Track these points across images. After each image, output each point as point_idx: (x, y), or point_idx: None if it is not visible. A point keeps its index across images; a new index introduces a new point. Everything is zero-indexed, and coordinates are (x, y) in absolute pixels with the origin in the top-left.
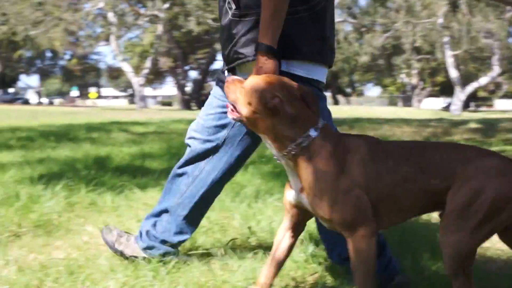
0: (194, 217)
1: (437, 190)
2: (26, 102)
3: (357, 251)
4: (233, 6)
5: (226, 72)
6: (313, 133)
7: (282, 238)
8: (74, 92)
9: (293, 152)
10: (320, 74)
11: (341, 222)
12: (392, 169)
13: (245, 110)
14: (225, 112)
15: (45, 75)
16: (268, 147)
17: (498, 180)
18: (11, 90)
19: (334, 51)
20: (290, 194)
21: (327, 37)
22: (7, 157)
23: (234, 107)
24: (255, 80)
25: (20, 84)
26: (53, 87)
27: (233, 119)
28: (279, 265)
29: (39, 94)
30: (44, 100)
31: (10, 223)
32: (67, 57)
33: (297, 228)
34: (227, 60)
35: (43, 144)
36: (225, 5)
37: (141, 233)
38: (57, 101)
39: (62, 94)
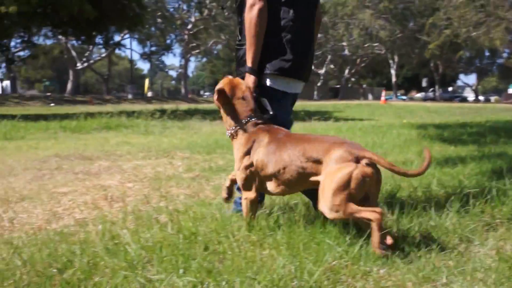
0: None
1: (309, 172)
2: (463, 99)
3: (243, 205)
4: (239, 38)
5: None
6: (240, 125)
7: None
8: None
9: (228, 135)
10: (294, 87)
11: (239, 185)
12: (278, 156)
13: (214, 97)
14: None
15: (482, 73)
16: None
17: (341, 166)
18: (450, 88)
19: (305, 68)
20: None
21: (298, 58)
22: (463, 151)
23: None
24: (223, 79)
25: (458, 83)
26: (489, 85)
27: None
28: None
29: (476, 92)
30: (481, 97)
31: (483, 215)
32: (505, 55)
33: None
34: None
35: (495, 140)
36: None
37: None
38: (493, 98)
39: (498, 91)
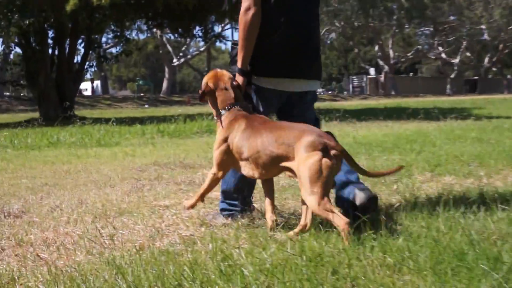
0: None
1: (282, 158)
2: None
3: (208, 177)
4: (231, 42)
5: None
6: (223, 112)
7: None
8: None
9: (214, 121)
10: (288, 85)
11: (214, 163)
12: (253, 141)
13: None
14: None
15: None
16: None
17: (310, 153)
18: None
19: (302, 66)
20: None
21: (291, 57)
22: None
23: None
24: (211, 72)
25: None
26: None
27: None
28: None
29: None
30: None
31: None
32: None
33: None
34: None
35: None
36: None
37: None
38: None
39: None
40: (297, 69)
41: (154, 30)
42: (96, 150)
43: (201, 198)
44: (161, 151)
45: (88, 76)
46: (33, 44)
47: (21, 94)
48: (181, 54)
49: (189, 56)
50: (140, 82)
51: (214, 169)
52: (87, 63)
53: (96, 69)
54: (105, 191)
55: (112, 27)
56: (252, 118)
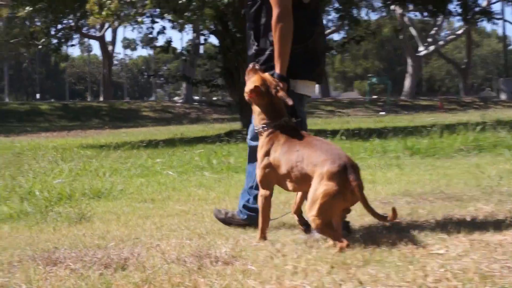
0: None
1: (309, 176)
2: None
3: (259, 202)
4: (255, 46)
5: None
6: (271, 126)
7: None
8: None
9: (256, 131)
10: (310, 90)
11: (258, 181)
12: (289, 158)
13: (246, 90)
14: None
15: None
16: None
17: (327, 182)
18: None
19: (323, 73)
20: None
21: (318, 63)
22: None
23: None
24: (259, 75)
25: None
26: None
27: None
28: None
29: None
30: None
31: None
32: None
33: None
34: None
35: None
36: (251, 41)
37: None
38: None
39: None
40: (321, 75)
41: (392, 7)
42: None
43: (264, 230)
44: (412, 176)
45: None
46: (233, 31)
47: (214, 99)
48: (429, 40)
49: (440, 43)
50: (373, 80)
51: (261, 191)
52: None
53: None
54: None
55: (335, 4)
56: (293, 132)
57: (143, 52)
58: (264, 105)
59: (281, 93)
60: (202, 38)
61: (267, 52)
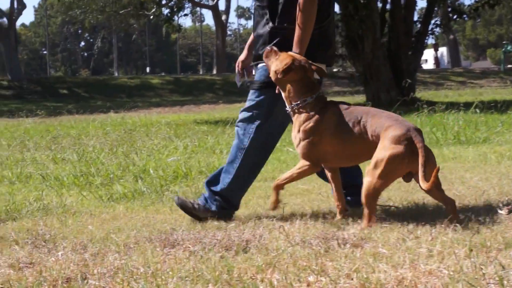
0: None
1: (372, 145)
2: None
3: (297, 167)
4: (269, 25)
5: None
6: (309, 99)
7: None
8: None
9: (294, 108)
10: (323, 72)
11: (301, 156)
12: (347, 129)
13: (272, 73)
14: None
15: None
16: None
17: (394, 145)
18: None
19: (335, 54)
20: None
21: (331, 45)
22: None
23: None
24: (285, 54)
25: None
26: None
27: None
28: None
29: None
30: None
31: None
32: None
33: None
34: (256, 57)
35: None
36: (263, 20)
37: None
38: None
39: None
40: (333, 56)
41: None
42: (455, 149)
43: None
44: None
45: (429, 41)
46: None
47: (335, 70)
48: None
49: None
50: (508, 48)
51: (303, 162)
52: (432, 21)
53: (441, 30)
54: (478, 211)
55: None
56: (339, 105)
57: None
58: (298, 81)
59: (314, 66)
60: None
61: (283, 32)
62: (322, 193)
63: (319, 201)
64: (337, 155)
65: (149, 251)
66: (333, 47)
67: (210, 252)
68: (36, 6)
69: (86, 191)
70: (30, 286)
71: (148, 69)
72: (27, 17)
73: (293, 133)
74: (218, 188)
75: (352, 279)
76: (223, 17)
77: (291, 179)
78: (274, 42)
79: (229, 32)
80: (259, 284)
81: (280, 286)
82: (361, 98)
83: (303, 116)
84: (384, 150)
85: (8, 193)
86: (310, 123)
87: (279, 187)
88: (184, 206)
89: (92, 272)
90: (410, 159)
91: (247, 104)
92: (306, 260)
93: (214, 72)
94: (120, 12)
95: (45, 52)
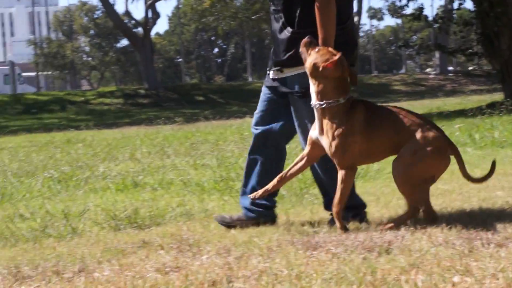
0: None
1: (397, 144)
2: None
3: (341, 180)
4: (290, 28)
5: (272, 72)
6: (341, 100)
7: (299, 161)
8: None
9: (324, 106)
10: None
11: (336, 161)
12: (378, 129)
13: (309, 65)
14: None
15: None
16: (311, 94)
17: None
18: None
19: (357, 56)
20: (314, 132)
21: (356, 46)
22: None
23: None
24: (325, 49)
25: None
26: None
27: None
28: (289, 178)
29: None
30: None
31: None
32: None
33: (310, 157)
34: (280, 63)
35: None
36: (279, 24)
37: None
38: None
39: None
40: (356, 57)
41: None
42: None
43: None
44: None
45: None
46: None
47: (470, 68)
48: None
49: None
50: None
51: (344, 169)
52: None
53: None
54: None
55: None
56: (370, 105)
57: (390, 21)
58: (336, 79)
59: (351, 69)
60: (456, 3)
61: (305, 36)
62: (463, 193)
63: (461, 201)
64: (364, 153)
65: (292, 254)
66: (356, 48)
67: (353, 253)
68: (170, 14)
69: (227, 195)
70: None
71: None
72: (161, 26)
73: (325, 141)
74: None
75: (498, 279)
76: (355, 19)
77: (344, 196)
78: (297, 48)
79: (361, 34)
80: (403, 285)
81: (425, 287)
82: (499, 95)
83: (336, 118)
84: (423, 147)
85: (151, 199)
86: (346, 126)
87: (339, 214)
88: (222, 221)
89: (237, 275)
90: (446, 155)
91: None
92: (450, 260)
93: None
94: (252, 17)
95: (179, 59)
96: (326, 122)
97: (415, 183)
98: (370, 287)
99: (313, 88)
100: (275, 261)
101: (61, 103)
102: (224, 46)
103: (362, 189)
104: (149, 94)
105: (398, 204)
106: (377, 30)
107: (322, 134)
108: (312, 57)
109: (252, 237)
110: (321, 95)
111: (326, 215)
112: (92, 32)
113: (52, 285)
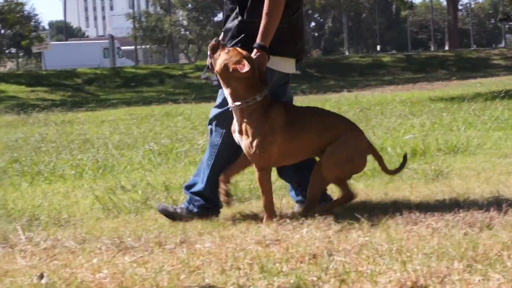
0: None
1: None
2: None
3: (259, 182)
4: (238, 19)
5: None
6: (258, 98)
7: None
8: None
9: (241, 106)
10: (290, 67)
11: (256, 161)
12: (299, 130)
13: (219, 66)
14: None
15: None
16: (226, 97)
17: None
18: None
19: (304, 49)
20: (235, 135)
21: (300, 39)
22: None
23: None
24: (235, 50)
25: None
26: None
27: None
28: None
29: None
30: None
31: None
32: None
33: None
34: None
35: None
36: (233, 14)
37: None
38: None
39: None
40: (303, 51)
41: None
42: None
43: (270, 207)
44: None
45: None
46: None
47: None
48: None
49: None
50: None
51: (261, 169)
52: None
53: None
54: None
55: None
56: (287, 105)
57: None
58: (248, 79)
59: (263, 68)
60: None
61: (252, 25)
62: None
63: None
64: (283, 154)
65: (392, 228)
66: (302, 41)
67: (454, 229)
68: None
69: None
70: (278, 262)
71: (378, 47)
72: None
73: (244, 141)
74: (196, 188)
75: None
76: None
77: (268, 196)
78: (242, 35)
79: (460, 7)
80: (506, 260)
81: None
82: None
83: (255, 118)
84: (351, 143)
85: (250, 173)
86: (265, 125)
87: (271, 217)
88: (166, 212)
89: (337, 248)
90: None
91: (217, 101)
92: None
93: (446, 48)
94: None
95: None
96: (245, 122)
97: (346, 177)
98: (472, 262)
99: (226, 91)
100: (375, 235)
101: (159, 76)
102: (321, 20)
103: (461, 163)
104: None
105: (499, 180)
106: (476, 3)
107: (241, 135)
108: (222, 58)
109: (352, 211)
110: (235, 96)
111: (426, 190)
112: (190, 5)
113: (154, 256)
